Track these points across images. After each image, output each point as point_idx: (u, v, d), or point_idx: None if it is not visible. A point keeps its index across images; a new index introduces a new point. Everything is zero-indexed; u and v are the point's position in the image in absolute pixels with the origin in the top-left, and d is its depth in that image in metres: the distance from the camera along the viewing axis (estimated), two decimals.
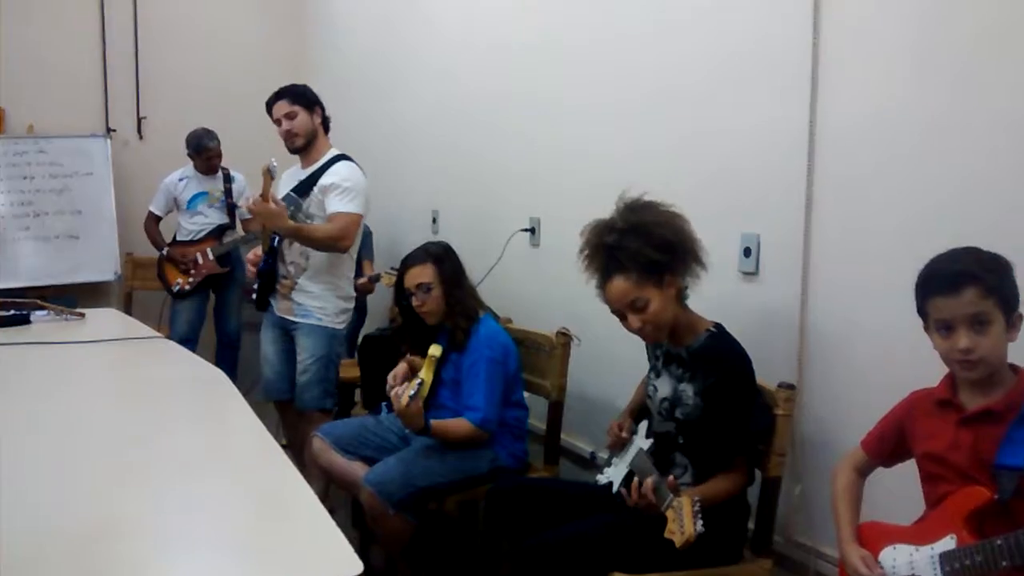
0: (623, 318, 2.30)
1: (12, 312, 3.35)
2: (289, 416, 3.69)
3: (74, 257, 5.50)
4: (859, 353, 2.26)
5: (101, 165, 5.61)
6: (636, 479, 2.18)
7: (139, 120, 5.87)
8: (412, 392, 2.62)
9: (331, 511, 1.59)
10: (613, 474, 2.44)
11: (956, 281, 1.65)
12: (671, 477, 2.13)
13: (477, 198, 4.08)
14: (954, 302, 1.65)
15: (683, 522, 1.94)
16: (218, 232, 5.06)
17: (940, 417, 1.78)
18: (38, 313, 3.46)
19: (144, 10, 5.83)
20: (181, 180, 5.12)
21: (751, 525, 2.34)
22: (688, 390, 2.29)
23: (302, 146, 3.54)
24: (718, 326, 2.32)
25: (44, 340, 3.05)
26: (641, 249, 2.21)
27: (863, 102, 2.23)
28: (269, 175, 3.34)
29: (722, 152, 2.65)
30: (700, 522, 1.93)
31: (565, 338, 3.02)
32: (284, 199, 3.47)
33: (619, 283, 2.24)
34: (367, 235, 4.72)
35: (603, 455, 3.08)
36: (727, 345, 2.28)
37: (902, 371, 1.96)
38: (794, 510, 2.43)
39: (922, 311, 1.74)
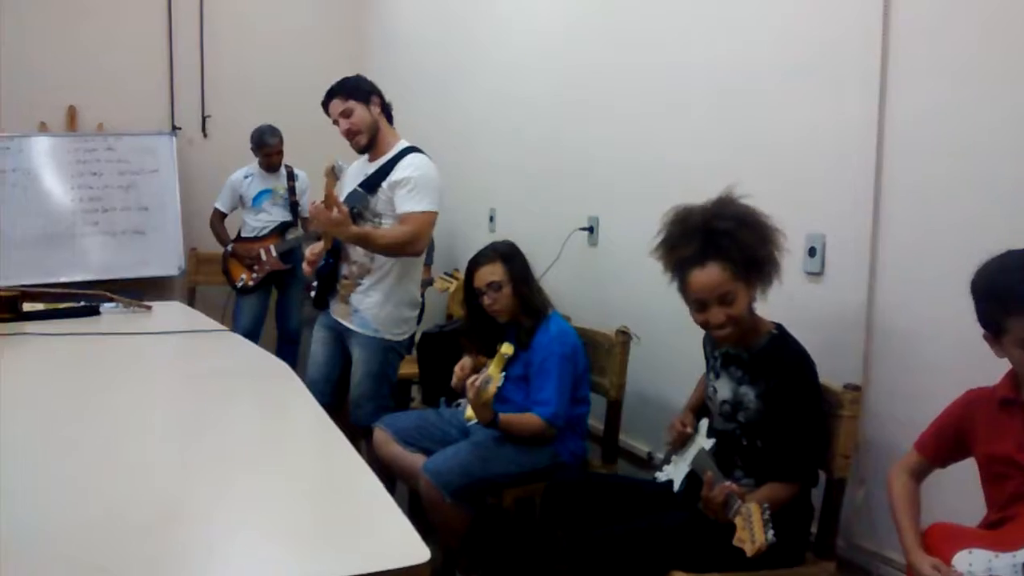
0: (702, 309, 2.22)
1: (83, 303, 3.44)
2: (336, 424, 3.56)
3: (139, 252, 5.63)
4: (927, 354, 2.22)
5: (167, 162, 5.74)
6: (708, 475, 2.12)
7: (204, 118, 5.99)
8: (499, 383, 2.66)
9: None
10: (673, 472, 2.43)
11: None
12: (734, 484, 2.09)
13: (535, 197, 4.08)
14: None
15: (753, 531, 1.90)
16: (281, 229, 5.14)
17: (1005, 417, 1.73)
18: (107, 305, 3.54)
19: (209, 11, 5.95)
20: (246, 177, 5.22)
21: (814, 528, 2.31)
22: (750, 393, 2.27)
23: (366, 143, 3.31)
24: (779, 327, 2.29)
25: (113, 331, 3.12)
26: (752, 244, 2.17)
27: (932, 100, 2.19)
28: (333, 175, 3.17)
29: (787, 151, 2.62)
30: (771, 531, 1.89)
31: (624, 336, 3.01)
32: (350, 196, 3.29)
33: (714, 271, 2.17)
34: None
35: (659, 455, 3.06)
36: (790, 347, 2.26)
37: (970, 371, 1.92)
38: (857, 513, 2.40)
39: (995, 325, 1.69)
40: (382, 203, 3.26)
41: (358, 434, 3.24)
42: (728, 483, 2.09)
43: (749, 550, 1.88)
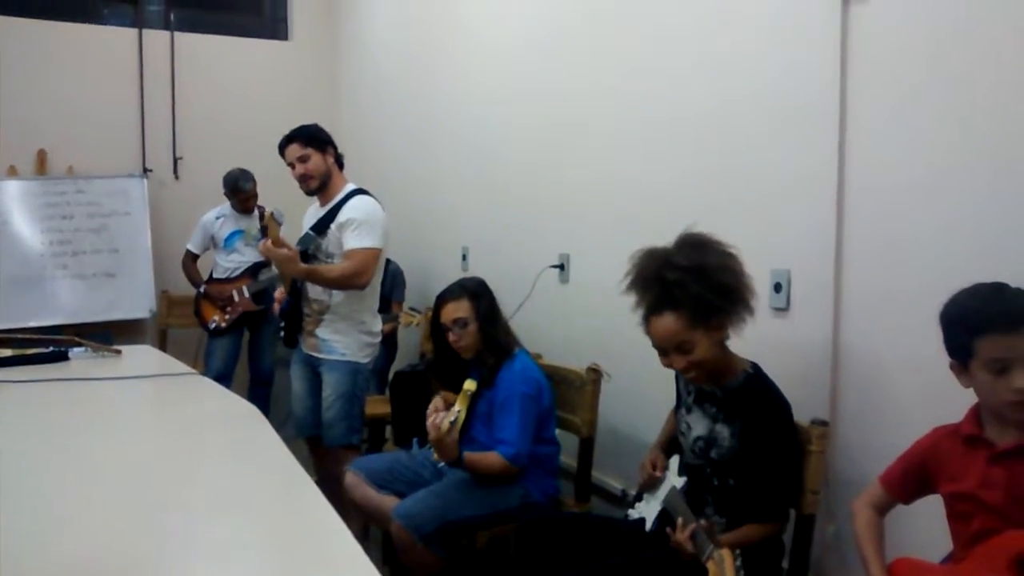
0: (664, 354, 2.28)
1: (51, 349, 3.41)
2: (319, 453, 3.68)
3: (110, 295, 5.59)
4: (893, 388, 2.24)
5: (138, 204, 5.73)
6: (680, 520, 2.13)
7: (175, 160, 5.99)
8: (452, 419, 2.65)
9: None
10: (645, 510, 2.43)
11: (1020, 319, 1.62)
12: (704, 521, 2.09)
13: (506, 235, 4.11)
14: (1016, 340, 1.62)
15: None
16: (253, 270, 5.11)
17: (968, 454, 1.74)
18: (76, 350, 3.49)
19: (180, 53, 5.97)
20: (218, 219, 5.20)
21: (785, 563, 2.31)
22: (724, 431, 2.28)
23: (316, 188, 3.54)
24: (755, 367, 2.31)
25: (82, 376, 3.09)
26: (702, 294, 2.16)
27: (893, 137, 2.23)
28: (274, 221, 3.36)
29: (753, 189, 2.66)
30: None
31: (595, 374, 3.02)
32: (302, 239, 3.49)
33: (669, 321, 2.20)
34: (398, 276, 4.76)
35: (633, 491, 3.06)
36: (766, 388, 2.27)
37: (936, 406, 1.94)
38: (828, 548, 2.40)
39: (963, 350, 1.70)
40: (332, 243, 3.47)
41: (339, 459, 3.38)
42: (697, 521, 2.08)
43: None
